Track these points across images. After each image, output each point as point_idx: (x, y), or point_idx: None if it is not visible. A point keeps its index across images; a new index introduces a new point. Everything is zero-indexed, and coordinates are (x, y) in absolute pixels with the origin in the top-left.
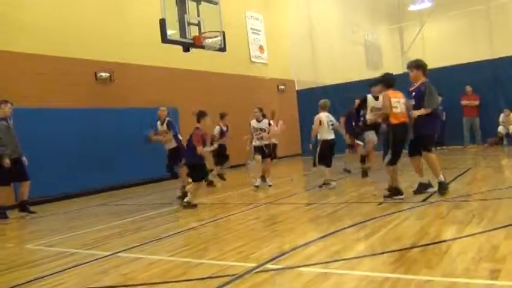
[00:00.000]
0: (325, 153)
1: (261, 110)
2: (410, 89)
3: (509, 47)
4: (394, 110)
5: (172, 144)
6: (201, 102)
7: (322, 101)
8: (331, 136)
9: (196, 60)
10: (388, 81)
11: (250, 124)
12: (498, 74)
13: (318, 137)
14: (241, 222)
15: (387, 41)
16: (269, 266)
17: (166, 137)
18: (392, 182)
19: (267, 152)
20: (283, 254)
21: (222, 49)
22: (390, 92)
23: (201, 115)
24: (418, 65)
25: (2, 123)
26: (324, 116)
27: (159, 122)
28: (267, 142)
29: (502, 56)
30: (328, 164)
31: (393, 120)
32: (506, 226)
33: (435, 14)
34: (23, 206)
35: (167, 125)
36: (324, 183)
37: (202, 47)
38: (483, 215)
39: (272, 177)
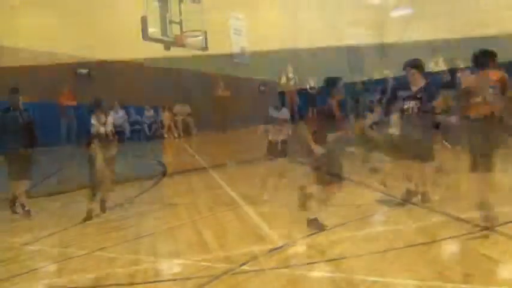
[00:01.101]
0: None
1: None
2: (414, 92)
3: None
4: None
5: None
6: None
7: None
8: None
9: (178, 59)
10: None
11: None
12: None
13: None
14: (219, 222)
15: (368, 45)
16: (247, 267)
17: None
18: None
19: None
20: (261, 255)
21: (204, 48)
22: None
23: (331, 81)
24: (415, 65)
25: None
26: None
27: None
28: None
29: None
30: None
31: None
32: (481, 231)
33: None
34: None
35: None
36: None
37: (184, 46)
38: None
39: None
